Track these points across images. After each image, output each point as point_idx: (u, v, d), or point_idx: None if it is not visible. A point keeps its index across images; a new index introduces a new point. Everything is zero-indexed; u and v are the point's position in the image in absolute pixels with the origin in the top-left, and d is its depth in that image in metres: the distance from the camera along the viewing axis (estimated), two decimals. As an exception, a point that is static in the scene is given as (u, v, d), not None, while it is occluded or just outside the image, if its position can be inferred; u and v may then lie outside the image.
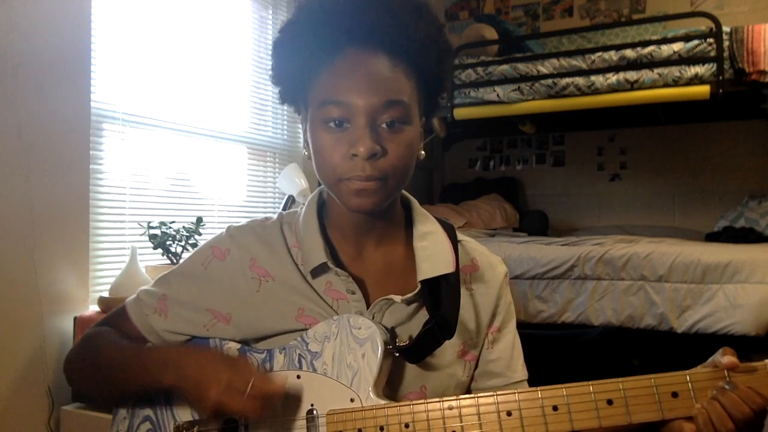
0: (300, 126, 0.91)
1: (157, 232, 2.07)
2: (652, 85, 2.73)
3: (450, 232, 0.93)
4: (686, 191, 3.67)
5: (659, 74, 2.70)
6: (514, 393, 0.74)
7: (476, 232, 3.29)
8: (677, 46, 2.67)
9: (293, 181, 2.58)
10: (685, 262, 2.46)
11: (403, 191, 0.94)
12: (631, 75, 2.75)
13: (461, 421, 0.75)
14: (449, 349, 0.89)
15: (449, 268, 0.86)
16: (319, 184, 0.92)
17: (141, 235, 2.09)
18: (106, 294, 2.01)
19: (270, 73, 0.89)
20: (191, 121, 2.52)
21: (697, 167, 3.62)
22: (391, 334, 0.85)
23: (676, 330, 2.44)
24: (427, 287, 0.86)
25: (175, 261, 2.08)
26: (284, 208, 2.58)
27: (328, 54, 0.81)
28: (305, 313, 0.87)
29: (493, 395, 0.75)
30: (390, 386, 0.86)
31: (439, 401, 0.77)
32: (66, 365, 0.95)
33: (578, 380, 0.74)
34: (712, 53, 2.62)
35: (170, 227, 2.10)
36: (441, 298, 0.85)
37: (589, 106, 2.90)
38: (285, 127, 3.09)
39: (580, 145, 3.97)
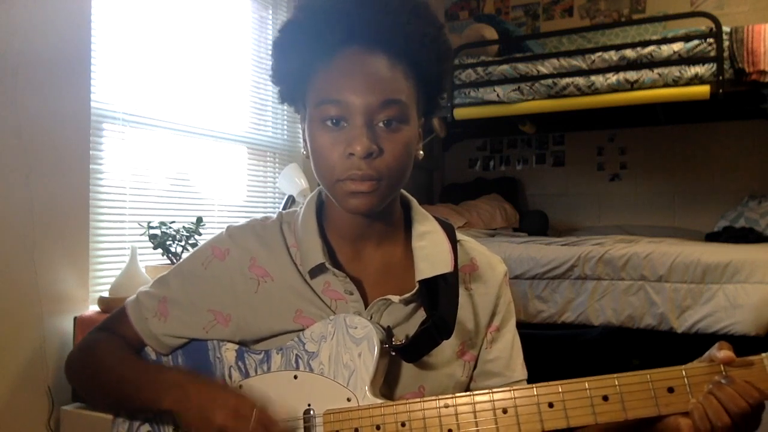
0: (300, 126, 0.90)
1: (157, 232, 2.07)
2: (652, 85, 2.73)
3: (449, 231, 0.93)
4: (686, 191, 3.67)
5: (659, 74, 2.70)
6: (510, 390, 0.74)
7: (476, 232, 3.29)
8: (677, 46, 2.68)
9: (293, 181, 2.58)
10: (685, 262, 2.46)
11: (403, 191, 0.94)
12: (631, 75, 2.76)
13: (457, 420, 0.75)
14: (448, 349, 0.89)
15: (447, 268, 0.86)
16: (319, 184, 0.92)
17: (141, 235, 2.09)
18: (106, 294, 2.01)
19: (270, 72, 0.89)
20: (191, 121, 2.52)
21: (697, 167, 3.62)
22: (388, 333, 0.85)
23: (676, 330, 2.44)
24: (425, 287, 0.86)
25: (175, 261, 2.08)
26: (284, 208, 2.58)
27: (326, 53, 0.81)
28: (303, 314, 0.87)
29: (489, 393, 0.75)
30: (388, 386, 0.86)
31: (435, 400, 0.77)
32: (67, 370, 0.96)
33: (578, 380, 0.74)
34: (712, 53, 2.62)
35: (170, 227, 2.11)
36: (439, 298, 0.85)
37: (589, 106, 2.91)
38: (285, 127, 3.09)
39: (580, 145, 3.97)
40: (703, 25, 2.74)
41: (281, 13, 3.04)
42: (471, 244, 0.98)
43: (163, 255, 2.09)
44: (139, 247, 2.07)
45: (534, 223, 3.62)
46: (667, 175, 3.71)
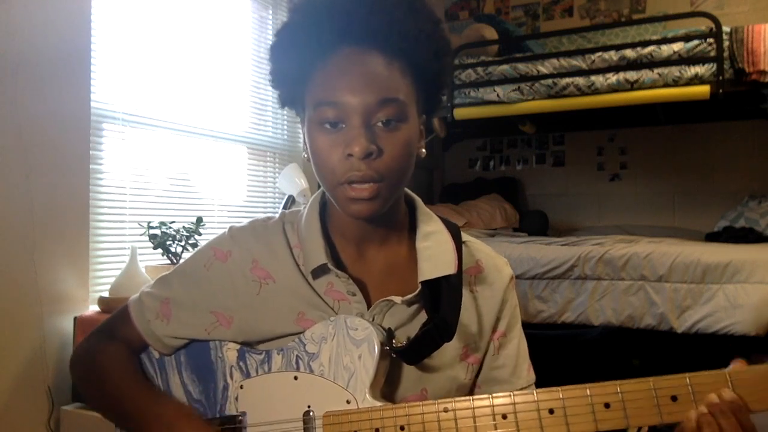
0: (300, 128, 0.90)
1: (157, 232, 2.07)
2: (652, 85, 2.73)
3: (454, 232, 0.92)
4: (686, 191, 3.67)
5: (659, 74, 2.70)
6: (510, 395, 0.74)
7: (476, 232, 3.29)
8: (677, 46, 2.67)
9: (293, 181, 2.58)
10: (685, 262, 2.46)
11: (408, 191, 0.93)
12: (631, 75, 2.75)
13: (456, 424, 0.74)
14: (450, 351, 0.88)
15: (450, 269, 0.85)
16: (320, 186, 0.92)
17: (141, 235, 2.09)
18: (106, 294, 2.01)
19: (269, 77, 0.88)
20: (191, 121, 2.52)
21: (697, 167, 3.62)
22: (389, 334, 0.84)
23: (676, 330, 2.44)
24: (427, 288, 0.85)
25: (175, 261, 2.08)
26: (284, 209, 2.58)
27: (322, 54, 0.81)
28: (305, 316, 0.87)
29: (489, 398, 0.74)
30: (390, 388, 0.85)
31: (435, 403, 0.76)
32: (71, 372, 0.96)
33: (578, 380, 0.73)
34: (712, 53, 2.61)
35: (170, 227, 2.11)
36: (441, 299, 0.84)
37: (589, 106, 2.90)
38: (285, 127, 3.09)
39: (580, 145, 3.96)
40: (703, 25, 2.73)
41: (281, 13, 3.04)
42: (477, 245, 0.97)
43: (163, 255, 2.09)
44: (139, 247, 2.07)
45: (534, 223, 3.61)
46: (667, 175, 3.71)
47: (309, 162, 0.85)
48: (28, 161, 1.83)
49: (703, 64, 2.64)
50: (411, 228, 0.93)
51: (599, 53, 2.83)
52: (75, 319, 1.93)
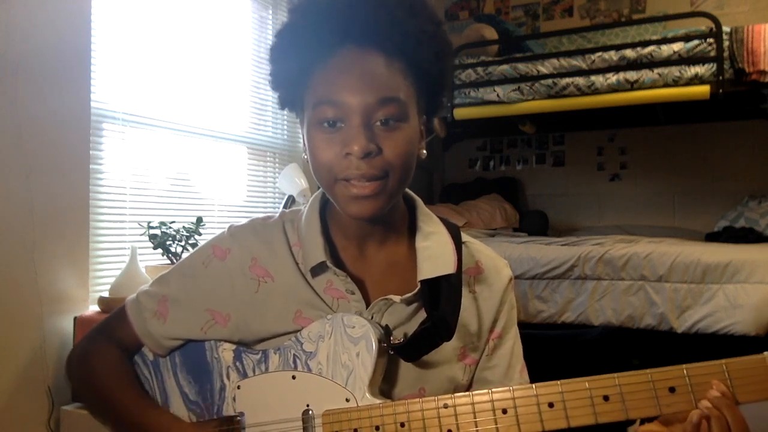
0: (300, 128, 0.90)
1: (157, 232, 2.07)
2: (652, 85, 2.73)
3: (454, 233, 0.92)
4: (686, 191, 3.67)
5: (659, 74, 2.70)
6: (509, 390, 0.74)
7: (476, 232, 3.29)
8: (677, 46, 2.68)
9: (293, 181, 2.58)
10: (685, 262, 2.46)
11: (408, 190, 0.93)
12: (631, 75, 2.76)
13: (456, 420, 0.75)
14: (449, 351, 0.88)
15: (450, 269, 0.85)
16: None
17: (141, 235, 2.09)
18: (106, 294, 2.01)
19: (269, 78, 0.88)
20: (191, 121, 2.52)
21: (697, 167, 3.62)
22: (386, 332, 0.84)
23: (676, 330, 2.44)
24: (427, 287, 0.85)
25: (175, 261, 2.08)
26: (284, 209, 2.58)
27: (322, 54, 0.80)
28: (303, 315, 0.87)
29: (488, 393, 0.74)
30: (388, 387, 0.85)
31: (435, 400, 0.76)
32: (67, 372, 0.96)
33: (578, 381, 0.73)
34: (712, 53, 2.62)
35: (170, 227, 2.11)
36: (441, 298, 0.84)
37: (589, 106, 2.91)
38: (285, 127, 3.09)
39: (580, 145, 3.96)
40: (703, 25, 2.74)
41: (281, 13, 3.04)
42: (477, 246, 0.97)
43: (163, 255, 2.09)
44: (139, 247, 2.07)
45: (534, 223, 3.61)
46: (667, 175, 3.71)
47: (308, 163, 0.85)
48: (28, 161, 1.83)
49: (703, 64, 2.64)
50: (411, 228, 0.93)
51: (599, 53, 2.83)
52: (75, 319, 1.93)
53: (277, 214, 0.96)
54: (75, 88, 1.98)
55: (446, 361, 0.89)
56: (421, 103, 0.86)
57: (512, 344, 0.95)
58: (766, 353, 0.69)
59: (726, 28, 2.62)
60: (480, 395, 0.75)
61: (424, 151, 0.88)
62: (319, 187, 0.90)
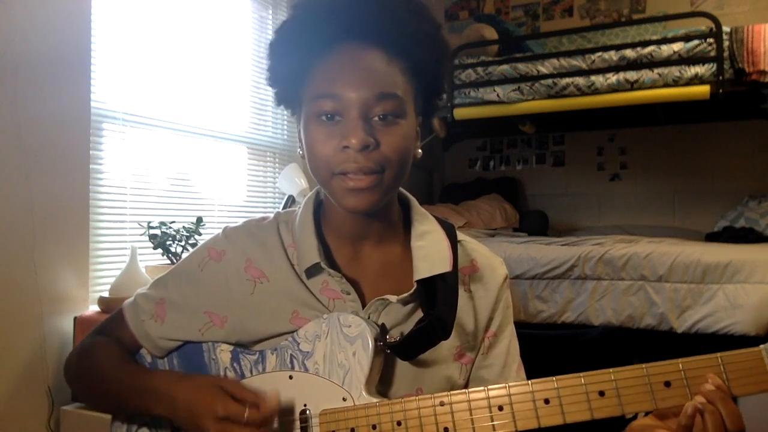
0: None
1: (157, 232, 2.07)
2: (652, 85, 2.73)
3: (449, 231, 0.92)
4: (686, 191, 3.67)
5: (659, 74, 2.70)
6: (505, 387, 0.74)
7: (476, 232, 3.29)
8: (677, 46, 2.67)
9: (293, 181, 2.58)
10: (685, 262, 2.46)
11: (402, 190, 0.93)
12: (631, 75, 2.76)
13: (453, 417, 0.75)
14: (445, 350, 0.88)
15: (446, 268, 0.85)
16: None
17: (141, 235, 2.09)
18: (106, 294, 2.01)
19: (267, 74, 0.88)
20: (191, 121, 2.52)
21: (697, 167, 3.62)
22: (382, 330, 0.84)
23: (676, 330, 2.44)
24: (423, 287, 0.85)
25: (175, 261, 2.08)
26: (284, 209, 2.58)
27: (322, 50, 0.81)
28: (299, 315, 0.87)
29: (484, 390, 0.74)
30: (385, 388, 0.85)
31: (431, 398, 0.76)
32: (66, 373, 0.96)
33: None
34: (712, 53, 2.62)
35: (170, 227, 2.11)
36: (437, 297, 0.84)
37: (589, 106, 2.90)
38: (285, 127, 3.09)
39: (580, 145, 3.96)
40: (703, 25, 2.74)
41: (281, 13, 3.05)
42: (472, 244, 0.97)
43: (163, 255, 2.09)
44: (139, 247, 2.07)
45: (534, 223, 3.61)
46: (667, 175, 3.71)
47: (303, 158, 0.85)
48: (28, 161, 1.83)
49: (703, 64, 2.64)
50: (405, 227, 0.93)
51: (599, 53, 2.83)
52: (75, 319, 1.93)
53: (272, 215, 0.96)
54: (75, 88, 1.98)
55: (443, 361, 0.89)
56: (418, 102, 0.86)
57: (508, 343, 0.95)
58: (761, 347, 0.69)
59: (726, 28, 2.62)
60: (476, 392, 0.75)
61: (420, 151, 0.88)
62: (317, 185, 0.90)
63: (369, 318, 0.86)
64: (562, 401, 0.71)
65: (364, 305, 0.87)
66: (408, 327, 0.86)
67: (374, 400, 0.79)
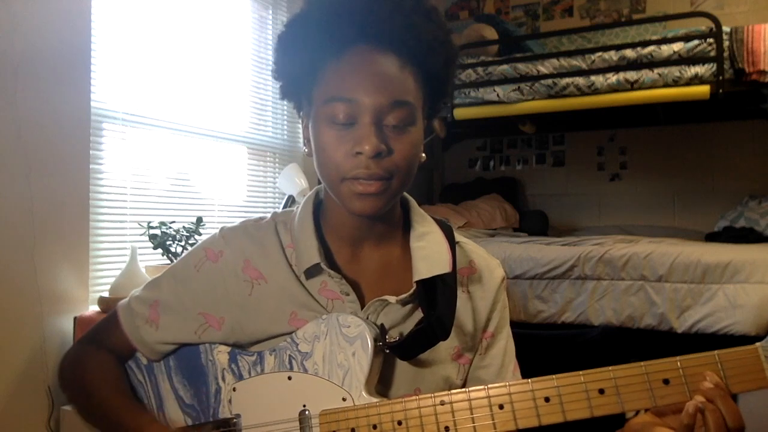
0: (300, 124, 0.89)
1: (157, 232, 2.07)
2: (652, 85, 2.73)
3: (448, 232, 0.92)
4: (686, 191, 3.67)
5: (659, 74, 2.70)
6: (506, 386, 0.74)
7: (476, 232, 3.29)
8: (677, 46, 2.68)
9: (293, 181, 2.58)
10: (685, 262, 2.46)
11: None
12: (631, 75, 2.76)
13: (453, 416, 0.75)
14: (444, 351, 0.89)
15: (445, 268, 0.85)
16: (319, 183, 0.91)
17: (141, 235, 2.09)
18: (106, 294, 2.01)
19: (272, 67, 0.87)
20: (191, 121, 2.52)
21: (697, 167, 3.62)
22: (382, 331, 0.84)
23: (676, 330, 2.44)
24: (423, 288, 0.85)
25: (174, 261, 2.08)
26: (284, 209, 2.58)
27: (336, 49, 0.80)
28: (298, 316, 0.86)
29: (485, 389, 0.74)
30: (384, 389, 0.85)
31: (431, 397, 0.76)
32: (60, 381, 0.96)
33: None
34: (712, 53, 2.62)
35: (170, 227, 2.11)
36: (437, 298, 0.84)
37: (589, 106, 2.91)
38: (285, 127, 3.09)
39: (580, 145, 3.97)
40: (703, 25, 2.74)
41: (281, 13, 3.05)
42: (470, 246, 0.98)
43: (163, 255, 2.09)
44: (139, 247, 2.07)
45: (534, 223, 3.62)
46: (667, 175, 3.71)
47: (309, 157, 0.85)
48: (28, 161, 1.83)
49: (703, 64, 2.64)
50: (405, 228, 0.93)
51: (599, 53, 2.83)
52: (75, 319, 1.93)
53: (269, 216, 0.95)
54: (75, 88, 1.98)
55: (441, 361, 0.89)
56: (426, 107, 0.86)
57: (505, 344, 0.95)
58: (758, 344, 0.69)
59: (726, 28, 2.62)
60: (476, 391, 0.75)
61: (424, 155, 0.88)
62: (318, 183, 0.90)
63: (368, 318, 0.86)
64: (563, 399, 0.71)
65: (363, 306, 0.86)
66: (407, 327, 0.86)
67: (374, 400, 0.79)
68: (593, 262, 2.62)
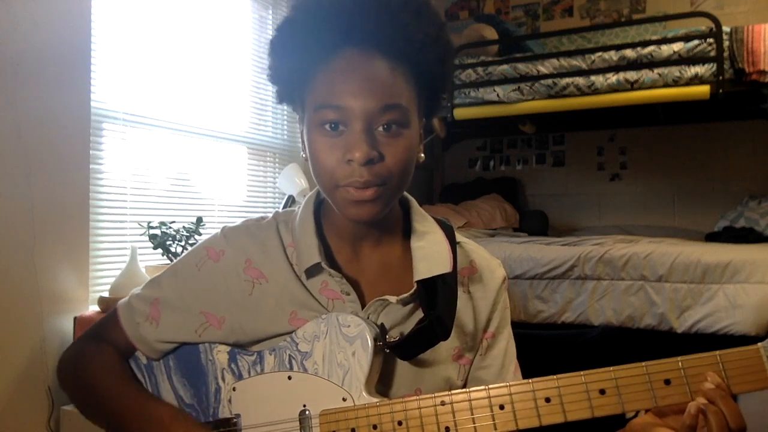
0: (299, 126, 0.89)
1: (157, 232, 2.07)
2: (652, 85, 2.73)
3: (448, 232, 0.92)
4: (686, 191, 3.67)
5: (659, 74, 2.70)
6: (507, 386, 0.74)
7: (476, 232, 3.29)
8: (677, 46, 2.67)
9: (293, 181, 2.58)
10: (685, 262, 2.46)
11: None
12: (631, 75, 2.75)
13: (454, 416, 0.75)
14: (444, 351, 0.88)
15: (446, 268, 0.85)
16: (319, 185, 0.91)
17: (141, 235, 2.09)
18: (106, 294, 2.01)
19: (268, 71, 0.87)
20: (191, 121, 2.52)
21: (697, 167, 3.62)
22: (382, 330, 0.84)
23: (676, 330, 2.44)
24: (423, 287, 0.85)
25: (174, 261, 2.08)
26: (284, 209, 2.58)
27: (324, 54, 0.79)
28: (298, 316, 0.86)
29: (485, 389, 0.74)
30: (384, 389, 0.85)
31: (432, 397, 0.76)
32: (59, 378, 0.95)
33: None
34: (712, 53, 2.62)
35: (170, 227, 2.11)
36: (437, 298, 0.84)
37: (589, 106, 2.90)
38: (285, 127, 3.09)
39: (580, 145, 3.97)
40: (703, 25, 2.74)
41: (281, 13, 3.04)
42: (471, 246, 0.97)
43: (163, 255, 2.09)
44: (139, 247, 2.07)
45: (534, 223, 3.62)
46: (667, 175, 3.71)
47: (307, 162, 0.85)
48: (28, 161, 1.83)
49: (703, 64, 2.64)
50: (405, 228, 0.93)
51: (599, 53, 2.83)
52: (75, 319, 1.93)
53: (271, 215, 0.95)
54: (75, 88, 1.98)
55: (442, 361, 0.89)
56: (421, 106, 0.85)
57: (506, 344, 0.95)
58: (759, 344, 0.69)
59: (726, 28, 2.62)
60: (477, 392, 0.75)
61: (423, 155, 0.87)
62: (316, 187, 0.90)
63: (368, 318, 0.85)
64: (563, 400, 0.71)
65: (363, 306, 0.86)
66: (407, 327, 0.86)
67: (374, 400, 0.79)
68: (593, 262, 2.62)
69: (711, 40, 2.62)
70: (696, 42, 2.64)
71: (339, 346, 0.81)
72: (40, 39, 1.87)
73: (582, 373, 0.72)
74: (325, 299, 0.87)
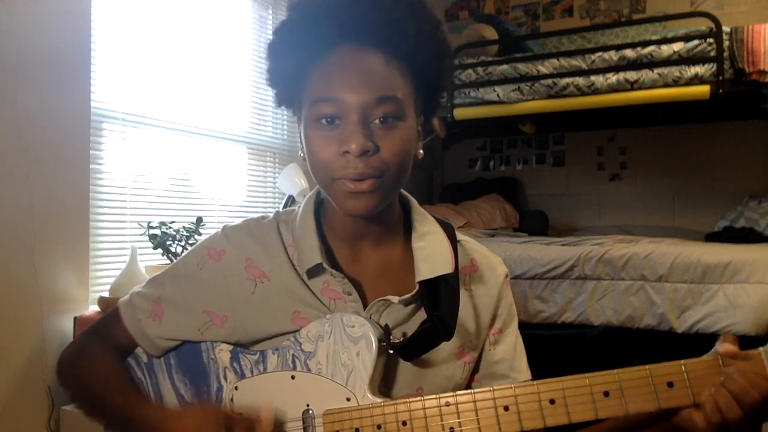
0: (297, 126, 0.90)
1: (157, 232, 2.07)
2: (652, 85, 2.73)
3: (449, 232, 0.92)
4: (686, 191, 3.67)
5: (659, 74, 2.70)
6: (511, 388, 0.74)
7: (476, 232, 3.29)
8: (677, 46, 2.67)
9: (293, 181, 2.58)
10: (685, 262, 2.45)
11: (402, 191, 0.93)
12: (631, 75, 2.75)
13: (458, 417, 0.75)
14: (447, 349, 0.88)
15: (448, 269, 0.85)
16: (319, 184, 0.91)
17: (141, 235, 2.09)
18: (106, 294, 2.01)
19: (266, 75, 0.88)
20: (191, 121, 2.52)
21: (697, 167, 3.62)
22: (386, 331, 0.84)
23: (676, 330, 2.44)
24: (425, 288, 0.85)
25: (174, 261, 2.08)
26: (284, 209, 2.58)
27: (320, 52, 0.80)
28: (301, 315, 0.86)
29: (490, 390, 0.75)
30: (386, 388, 0.85)
31: (436, 398, 0.76)
32: (59, 375, 0.95)
33: (578, 381, 0.73)
34: (712, 53, 2.61)
35: (170, 227, 2.11)
36: (440, 298, 0.84)
37: (589, 106, 2.90)
38: (285, 127, 3.09)
39: (580, 145, 3.96)
40: (703, 25, 2.74)
41: (281, 13, 3.04)
42: (471, 244, 0.98)
43: (163, 255, 2.09)
44: (139, 247, 2.07)
45: (534, 223, 3.61)
46: (667, 175, 3.71)
47: (305, 161, 0.85)
48: (28, 161, 1.83)
49: (703, 64, 2.64)
50: (406, 228, 0.93)
51: (599, 53, 2.83)
52: (75, 319, 1.93)
53: (272, 215, 0.95)
54: (75, 88, 1.98)
55: (444, 361, 0.89)
56: (418, 102, 0.86)
57: (514, 338, 0.96)
58: (761, 349, 0.70)
59: (726, 28, 2.62)
60: (482, 393, 0.75)
61: (421, 152, 0.88)
62: (316, 187, 0.90)
63: (371, 318, 0.85)
64: (567, 401, 0.72)
65: (365, 306, 0.86)
66: (409, 327, 0.86)
67: (378, 400, 0.79)
68: (593, 262, 2.61)
69: (711, 40, 2.62)
70: (696, 42, 2.64)
71: (343, 346, 0.81)
72: (40, 39, 1.87)
73: (586, 375, 0.72)
74: (327, 299, 0.87)
